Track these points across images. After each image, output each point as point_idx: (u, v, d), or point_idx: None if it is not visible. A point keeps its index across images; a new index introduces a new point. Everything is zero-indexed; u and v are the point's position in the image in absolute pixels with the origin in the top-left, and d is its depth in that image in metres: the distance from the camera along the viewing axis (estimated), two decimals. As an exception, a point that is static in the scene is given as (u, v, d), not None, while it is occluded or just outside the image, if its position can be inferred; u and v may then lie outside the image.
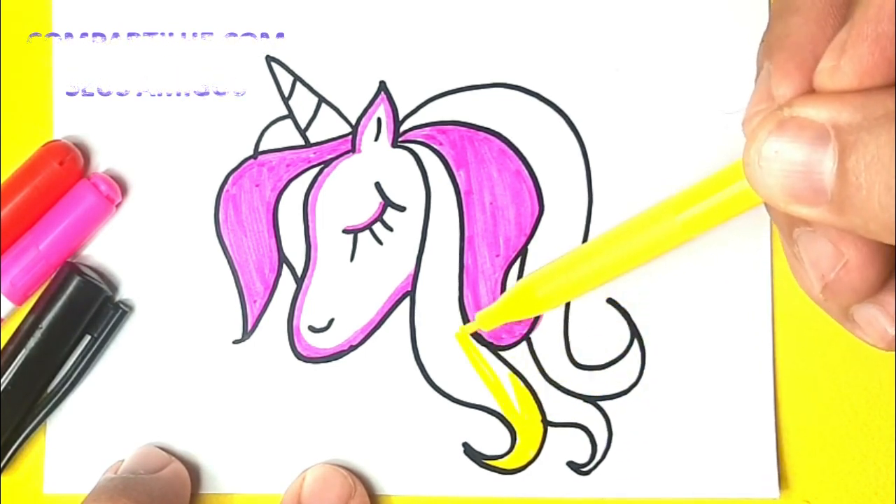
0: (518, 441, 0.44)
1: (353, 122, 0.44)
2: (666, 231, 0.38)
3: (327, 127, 0.44)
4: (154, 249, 0.44)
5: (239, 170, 0.44)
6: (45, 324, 0.43)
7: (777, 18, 0.33)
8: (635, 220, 0.40)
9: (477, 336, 0.44)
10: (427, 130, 0.44)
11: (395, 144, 0.44)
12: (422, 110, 0.44)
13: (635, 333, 0.44)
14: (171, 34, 0.44)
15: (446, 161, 0.44)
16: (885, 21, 0.28)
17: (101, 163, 0.44)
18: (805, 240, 0.32)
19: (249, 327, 0.44)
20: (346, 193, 0.44)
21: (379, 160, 0.44)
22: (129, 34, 0.44)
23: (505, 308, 0.42)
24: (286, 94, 0.44)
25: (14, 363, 0.43)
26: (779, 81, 0.31)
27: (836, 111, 0.28)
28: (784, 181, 0.29)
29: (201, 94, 0.44)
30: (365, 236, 0.44)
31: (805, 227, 0.32)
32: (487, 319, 0.43)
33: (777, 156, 0.29)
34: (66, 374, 0.43)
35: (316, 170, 0.44)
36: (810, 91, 0.30)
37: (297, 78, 0.44)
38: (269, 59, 0.44)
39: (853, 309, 0.33)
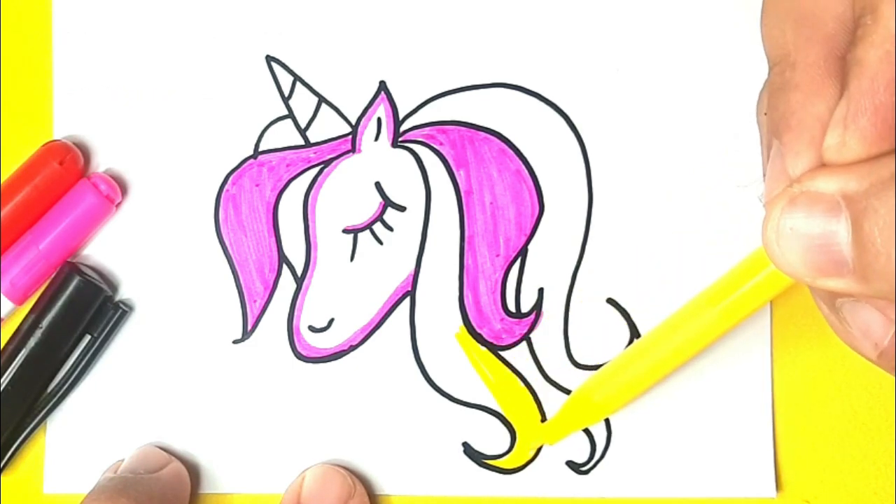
0: (518, 441, 0.44)
1: (353, 121, 0.44)
2: (707, 323, 0.39)
3: (327, 127, 0.44)
4: (154, 249, 0.44)
5: (239, 170, 0.44)
6: (45, 324, 0.43)
7: (778, 95, 0.33)
8: (678, 315, 0.40)
9: (477, 336, 0.44)
10: (427, 130, 0.44)
11: (395, 144, 0.44)
12: (422, 110, 0.44)
13: (635, 333, 0.44)
14: (171, 34, 0.44)
15: (446, 161, 0.44)
16: (881, 92, 0.28)
17: (101, 163, 0.44)
18: (849, 309, 0.32)
19: (249, 327, 0.44)
20: (346, 193, 0.44)
21: (379, 160, 0.44)
22: (129, 34, 0.44)
23: (568, 419, 0.42)
24: (286, 93, 0.44)
25: (14, 363, 0.43)
26: (793, 160, 0.31)
27: (843, 181, 0.28)
28: (805, 257, 0.29)
29: (201, 94, 0.44)
30: (365, 236, 0.44)
31: (848, 297, 0.32)
32: (554, 433, 0.43)
33: (793, 232, 0.29)
34: (66, 374, 0.43)
35: (316, 170, 0.44)
36: (821, 166, 0.30)
37: (297, 78, 0.44)
38: (269, 59, 0.44)
39: None
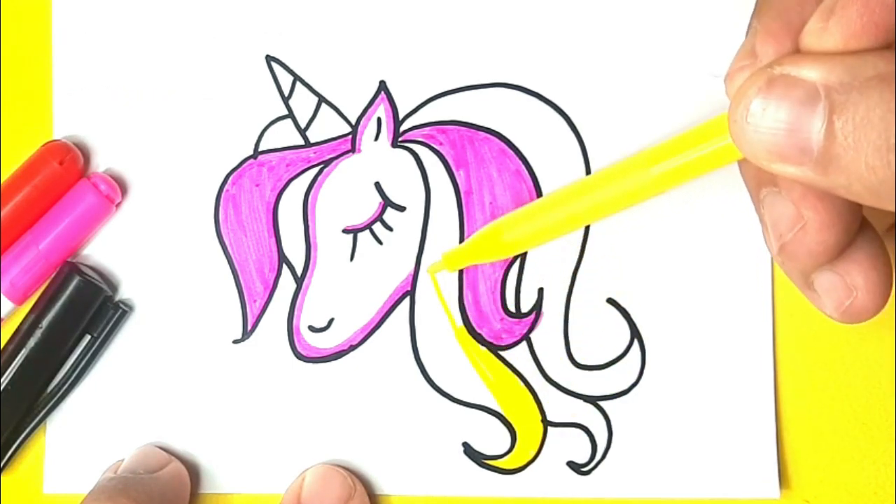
0: (518, 441, 0.44)
1: (353, 121, 0.44)
2: (640, 182, 0.37)
3: (327, 127, 0.44)
4: (154, 249, 0.44)
5: (239, 170, 0.44)
6: (45, 324, 0.43)
7: None
8: (609, 169, 0.39)
9: (477, 336, 0.44)
10: (427, 130, 0.44)
11: (395, 144, 0.44)
12: (422, 110, 0.44)
13: (635, 333, 0.44)
14: (171, 34, 0.44)
15: (446, 161, 0.44)
16: None
17: (101, 163, 0.44)
18: (770, 200, 0.32)
19: (249, 327, 0.44)
20: (346, 193, 0.44)
21: (379, 160, 0.44)
22: (129, 34, 0.44)
23: (471, 250, 0.42)
24: (286, 93, 0.44)
25: (14, 363, 0.43)
26: (764, 40, 0.32)
27: (826, 71, 0.28)
28: (770, 139, 0.29)
29: (201, 94, 0.44)
30: (365, 236, 0.44)
31: (771, 188, 0.32)
32: (453, 260, 0.43)
33: (764, 113, 0.29)
34: (66, 374, 0.44)
35: (316, 170, 0.44)
36: (794, 52, 0.30)
37: (297, 78, 0.44)
38: (269, 59, 0.44)
39: (813, 276, 0.33)
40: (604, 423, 0.44)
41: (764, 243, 0.34)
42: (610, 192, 0.38)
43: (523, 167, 0.44)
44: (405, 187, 0.44)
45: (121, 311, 0.43)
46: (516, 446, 0.44)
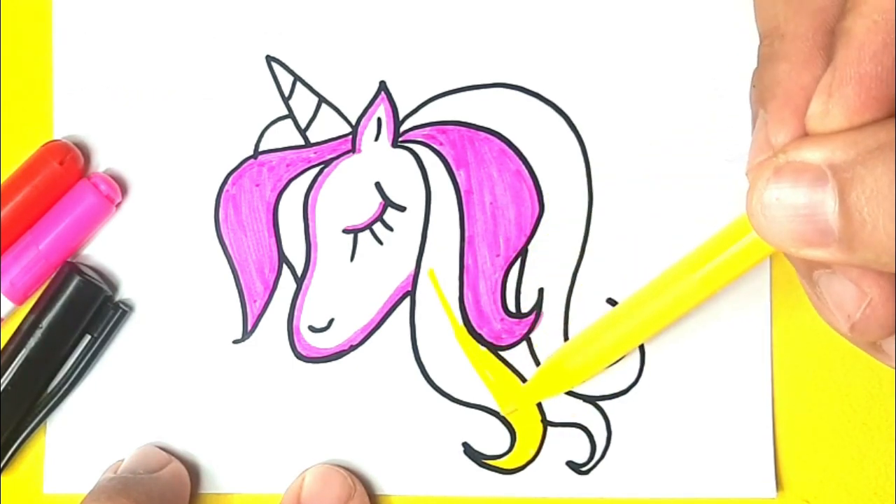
0: (517, 441, 0.44)
1: (353, 121, 0.44)
2: (686, 291, 0.38)
3: (327, 127, 0.44)
4: (154, 249, 0.44)
5: (239, 170, 0.44)
6: (45, 324, 0.42)
7: (765, 66, 0.33)
8: (655, 283, 0.39)
9: (477, 336, 0.44)
10: (427, 130, 0.44)
11: (395, 144, 0.44)
12: (422, 110, 0.44)
13: (635, 333, 0.44)
14: (171, 34, 0.44)
15: (446, 161, 0.44)
16: (866, 61, 0.28)
17: (101, 163, 0.44)
18: (826, 282, 0.32)
19: (249, 327, 0.44)
20: (346, 193, 0.44)
21: (379, 160, 0.44)
22: (129, 34, 0.44)
23: (539, 385, 0.43)
24: (286, 93, 0.44)
25: (14, 363, 0.43)
26: (776, 129, 0.32)
27: (829, 151, 0.28)
28: (789, 227, 0.29)
29: (201, 94, 0.44)
30: (365, 236, 0.44)
31: (824, 269, 0.32)
32: (524, 398, 0.43)
33: (779, 202, 0.29)
34: (66, 374, 0.43)
35: (316, 170, 0.44)
36: (806, 135, 0.30)
37: (297, 78, 0.44)
38: (269, 59, 0.44)
39: (882, 340, 0.33)
40: (603, 423, 0.44)
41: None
42: (659, 305, 0.39)
43: (523, 167, 0.44)
44: (405, 187, 0.44)
45: (121, 311, 0.43)
46: (516, 446, 0.44)
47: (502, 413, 0.43)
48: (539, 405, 0.44)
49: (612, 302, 0.44)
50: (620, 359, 0.43)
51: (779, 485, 0.44)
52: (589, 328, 0.42)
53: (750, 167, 0.33)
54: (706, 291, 0.38)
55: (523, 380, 0.44)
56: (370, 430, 0.44)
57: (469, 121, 0.44)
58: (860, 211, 0.27)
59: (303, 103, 0.44)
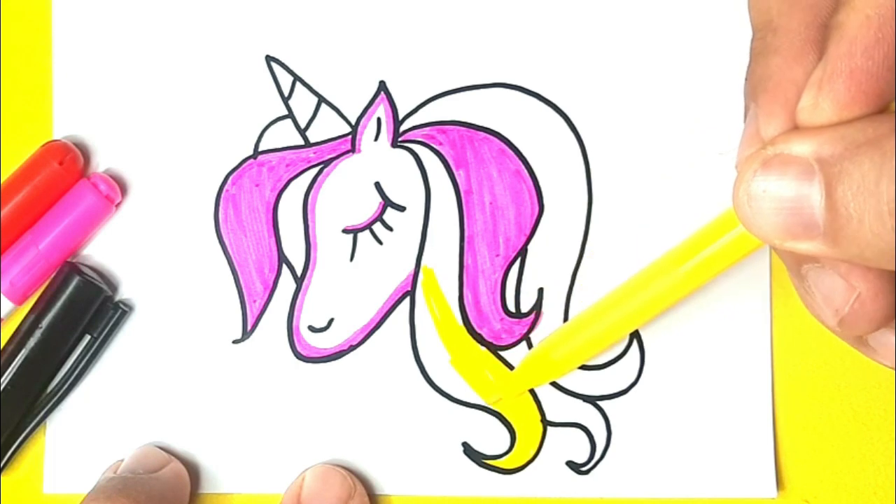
0: (517, 441, 0.44)
1: (353, 121, 0.44)
2: (671, 283, 0.38)
3: (327, 127, 0.44)
4: (154, 249, 0.44)
5: (239, 170, 0.44)
6: (45, 324, 0.43)
7: (757, 59, 0.33)
8: (640, 276, 0.39)
9: (477, 336, 0.44)
10: (427, 130, 0.44)
11: (394, 144, 0.44)
12: (422, 110, 0.44)
13: (635, 334, 0.44)
14: (171, 34, 0.44)
15: (446, 161, 0.44)
16: (858, 56, 0.28)
17: (101, 163, 0.44)
18: (814, 275, 0.32)
19: (249, 327, 0.44)
20: (345, 193, 0.44)
21: (379, 160, 0.44)
22: (130, 34, 0.44)
23: (524, 374, 0.43)
24: (286, 94, 0.44)
25: (14, 363, 0.43)
26: (766, 122, 0.32)
27: (817, 144, 0.28)
28: (775, 219, 0.29)
29: (201, 94, 0.44)
30: (365, 236, 0.44)
31: (813, 263, 0.32)
32: (508, 387, 0.43)
33: (765, 194, 0.29)
34: (66, 374, 0.43)
35: (316, 170, 0.44)
36: (795, 129, 0.30)
37: (297, 78, 0.44)
38: (269, 59, 0.44)
39: (869, 335, 0.33)
40: (603, 423, 0.44)
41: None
42: (645, 297, 0.39)
43: (523, 167, 0.44)
44: (405, 187, 0.44)
45: (121, 311, 0.43)
46: (516, 446, 0.44)
47: (486, 403, 0.43)
48: (539, 405, 0.44)
49: (611, 302, 0.44)
50: (607, 349, 0.43)
51: (779, 485, 0.44)
52: (574, 319, 0.42)
53: (739, 159, 0.33)
54: (692, 284, 0.38)
55: (522, 379, 0.44)
56: (370, 430, 0.44)
57: (469, 121, 0.44)
58: (846, 206, 0.27)
59: (302, 103, 0.44)
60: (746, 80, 0.34)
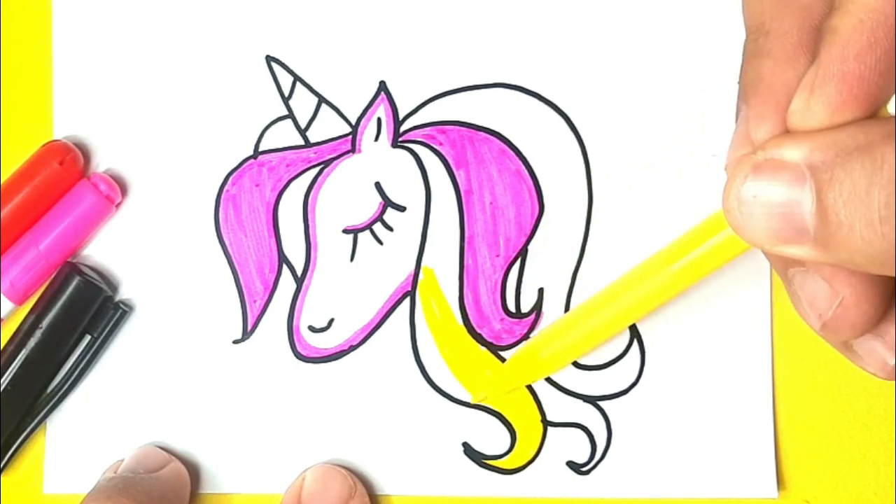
0: (518, 441, 0.44)
1: (353, 122, 0.44)
2: (662, 283, 0.39)
3: (327, 127, 0.44)
4: (154, 249, 0.44)
5: (239, 170, 0.44)
6: (45, 324, 0.43)
7: (749, 62, 0.33)
8: (630, 275, 0.40)
9: (477, 336, 0.44)
10: (427, 130, 0.44)
11: (395, 144, 0.44)
12: (422, 110, 0.44)
13: (635, 333, 0.44)
14: (171, 34, 0.44)
15: (446, 161, 0.44)
16: (850, 59, 0.28)
17: (101, 163, 0.44)
18: (800, 279, 0.32)
19: (249, 327, 0.44)
20: (346, 193, 0.44)
21: (379, 160, 0.44)
22: (130, 34, 0.44)
23: (511, 372, 0.43)
24: (286, 94, 0.44)
25: (14, 363, 0.43)
26: (756, 125, 0.32)
27: (808, 150, 0.28)
28: (765, 224, 0.29)
29: (201, 94, 0.44)
30: (365, 236, 0.44)
31: (799, 267, 0.32)
32: (495, 386, 0.43)
33: (756, 199, 0.29)
34: (66, 374, 0.44)
35: (316, 170, 0.44)
36: (787, 132, 0.30)
37: (297, 78, 0.44)
38: (269, 59, 0.44)
39: (854, 341, 0.33)
40: (603, 423, 0.44)
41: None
42: (635, 296, 0.39)
43: (523, 167, 0.44)
44: (405, 187, 0.44)
45: (121, 311, 0.43)
46: (516, 446, 0.44)
47: (473, 401, 0.43)
48: (539, 405, 0.44)
49: (612, 302, 0.44)
50: (596, 347, 0.43)
51: (780, 485, 0.44)
52: (563, 318, 0.42)
53: (729, 162, 0.33)
54: (682, 284, 0.38)
55: (523, 380, 0.44)
56: (370, 430, 0.44)
57: (469, 121, 0.44)
58: (837, 213, 0.27)
59: (303, 103, 0.44)
60: (738, 82, 0.34)
